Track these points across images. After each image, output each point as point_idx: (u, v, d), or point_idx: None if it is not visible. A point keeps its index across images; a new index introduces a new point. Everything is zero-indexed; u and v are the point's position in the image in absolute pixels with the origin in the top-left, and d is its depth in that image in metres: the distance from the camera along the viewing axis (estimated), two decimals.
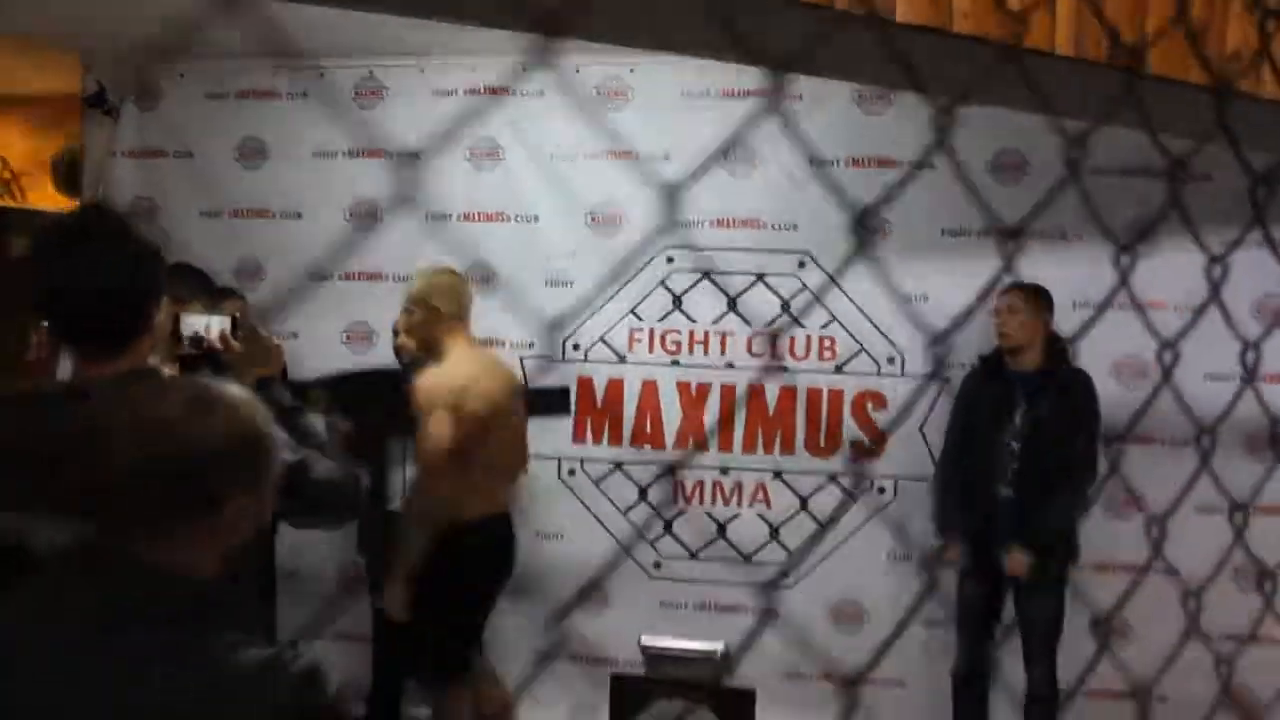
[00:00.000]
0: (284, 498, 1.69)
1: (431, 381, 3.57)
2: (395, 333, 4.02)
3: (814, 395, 4.50)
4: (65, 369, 2.94)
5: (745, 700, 3.86)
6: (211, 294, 3.91)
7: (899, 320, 4.38)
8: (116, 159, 4.98)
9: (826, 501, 4.50)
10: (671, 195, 0.89)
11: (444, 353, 3.64)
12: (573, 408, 4.49)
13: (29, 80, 6.44)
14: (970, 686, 4.17)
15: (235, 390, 1.40)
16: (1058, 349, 4.04)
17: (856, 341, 4.50)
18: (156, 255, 1.83)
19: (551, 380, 4.55)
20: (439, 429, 3.49)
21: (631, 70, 4.56)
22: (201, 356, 2.21)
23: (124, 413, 1.33)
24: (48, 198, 7.12)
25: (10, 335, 5.26)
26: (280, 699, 1.27)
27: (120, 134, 4.98)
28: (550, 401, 4.47)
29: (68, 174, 6.52)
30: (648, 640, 3.93)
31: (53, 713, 1.25)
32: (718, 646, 3.94)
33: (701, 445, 4.53)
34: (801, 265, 4.50)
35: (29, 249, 1.86)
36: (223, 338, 2.18)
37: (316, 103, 4.75)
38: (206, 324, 2.22)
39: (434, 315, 3.65)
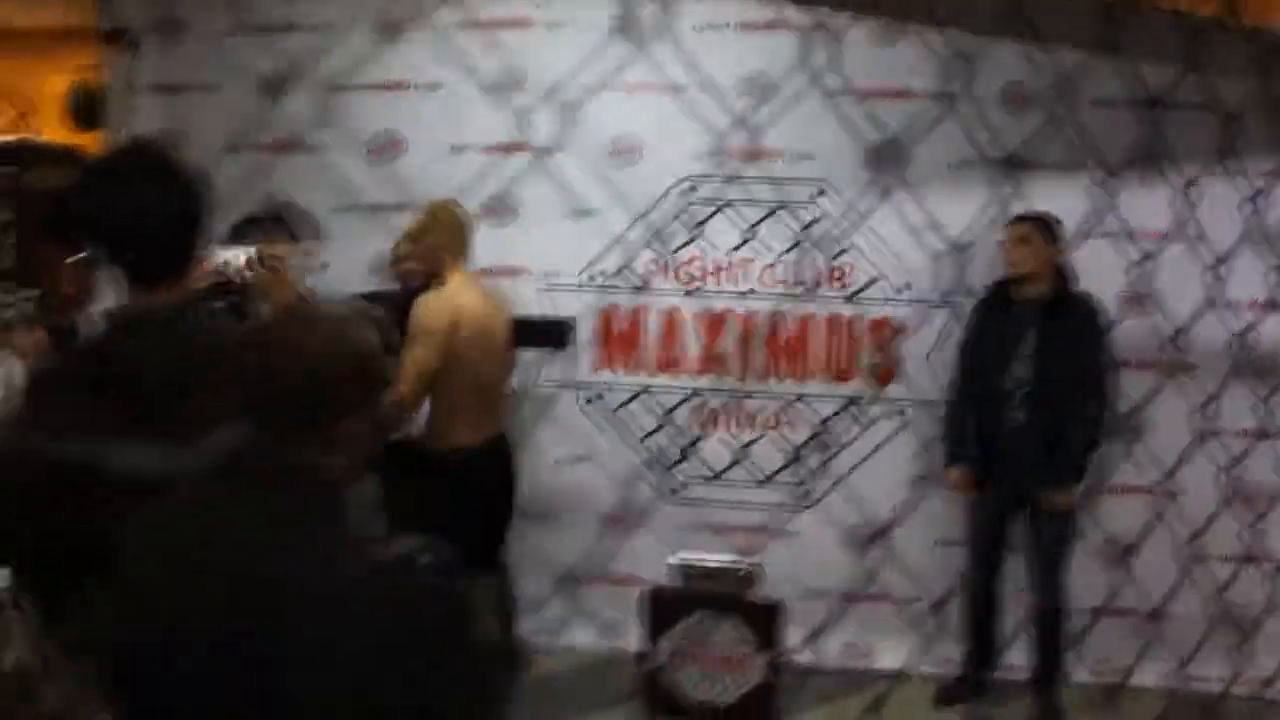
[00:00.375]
0: None
1: (428, 306, 3.72)
2: (395, 258, 4.16)
3: (832, 322, 4.61)
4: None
5: (773, 611, 4.01)
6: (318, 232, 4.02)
7: (913, 250, 4.46)
8: (140, 94, 5.01)
9: (844, 425, 4.63)
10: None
11: (443, 281, 3.81)
12: (570, 341, 4.59)
13: (36, 14, 6.43)
14: (981, 605, 4.33)
15: (355, 319, 1.52)
16: (1066, 277, 4.14)
17: (873, 269, 4.59)
18: (204, 185, 1.91)
19: (576, 306, 4.65)
20: (426, 349, 3.65)
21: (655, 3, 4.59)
22: (226, 284, 2.32)
23: (282, 336, 1.46)
24: (59, 133, 7.14)
25: (46, 265, 5.34)
26: (421, 589, 1.42)
27: (142, 69, 5.00)
28: (550, 333, 4.56)
29: (85, 108, 6.54)
30: (678, 557, 4.07)
31: (215, 606, 1.37)
32: (747, 561, 4.09)
33: (722, 371, 4.65)
34: (820, 194, 4.58)
35: (81, 183, 1.90)
36: (248, 264, 2.27)
37: (339, 36, 4.78)
38: (231, 256, 2.32)
39: (437, 246, 3.83)
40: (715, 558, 4.08)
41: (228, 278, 2.30)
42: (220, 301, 2.34)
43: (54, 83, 7.04)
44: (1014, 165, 4.13)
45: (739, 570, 4.06)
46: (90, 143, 6.83)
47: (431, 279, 3.86)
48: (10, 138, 6.99)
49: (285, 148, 4.79)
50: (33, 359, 2.46)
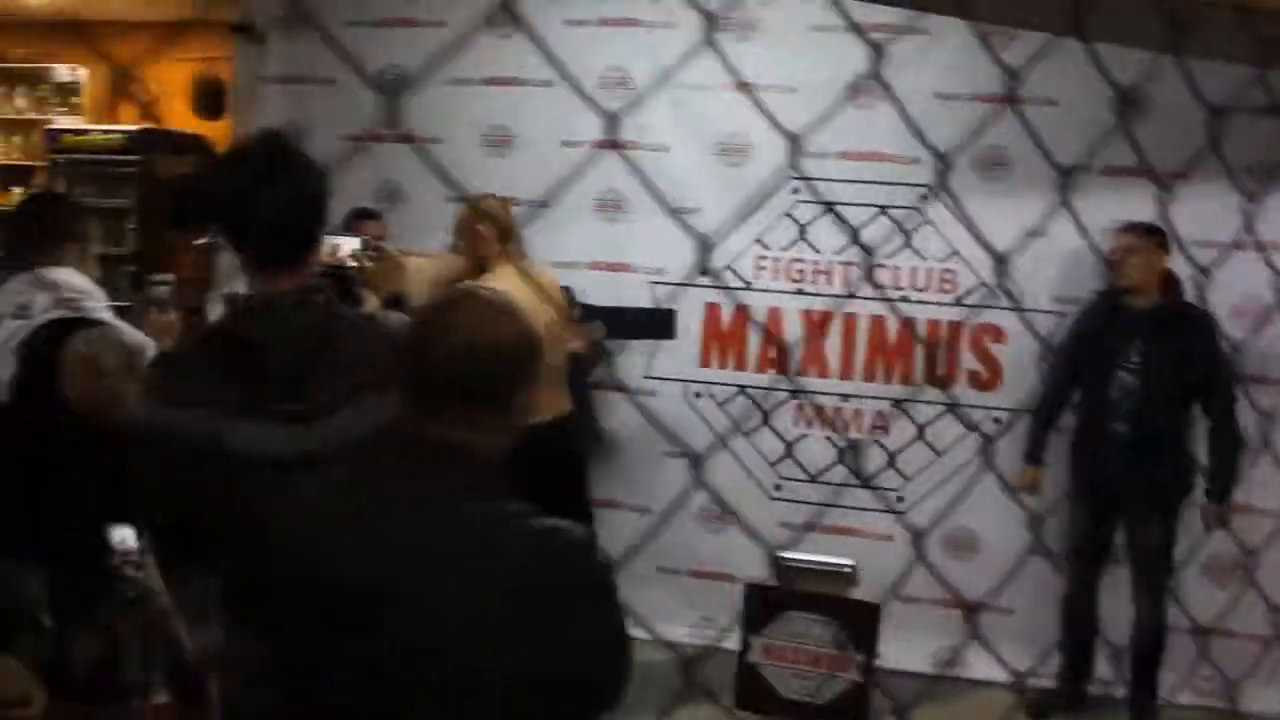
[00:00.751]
0: None
1: None
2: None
3: (934, 328, 4.60)
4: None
5: (870, 613, 4.02)
6: (372, 218, 4.14)
7: (1020, 255, 4.42)
8: (264, 85, 5.17)
9: (943, 431, 4.61)
10: (795, 136, 0.97)
11: (491, 271, 3.89)
12: (674, 332, 4.59)
13: (163, 7, 6.66)
14: (1078, 618, 4.28)
15: (511, 299, 1.60)
16: (1174, 287, 4.07)
17: (977, 276, 4.56)
18: (325, 176, 1.99)
19: (682, 303, 4.69)
20: None
21: (761, 3, 4.63)
22: (332, 273, 2.41)
23: (453, 322, 1.53)
24: (184, 120, 7.40)
25: (170, 250, 5.54)
26: (574, 558, 1.50)
27: (268, 61, 5.16)
28: (654, 323, 4.60)
29: (210, 98, 6.77)
30: (779, 554, 4.09)
31: (371, 571, 1.44)
32: (846, 562, 4.10)
33: (824, 373, 4.66)
34: (925, 198, 4.57)
35: (211, 172, 1.99)
36: (353, 256, 2.36)
37: (453, 32, 4.89)
38: (339, 243, 2.40)
39: (477, 235, 3.94)
40: (815, 557, 4.09)
41: (339, 264, 2.38)
42: (332, 286, 2.42)
43: (180, 73, 7.30)
44: (1130, 173, 4.09)
45: (838, 570, 4.07)
46: (213, 132, 7.08)
47: (478, 272, 3.93)
48: (136, 127, 7.26)
49: (402, 140, 4.91)
50: (168, 341, 2.57)
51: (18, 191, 7.93)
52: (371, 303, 2.37)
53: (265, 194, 1.87)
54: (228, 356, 1.90)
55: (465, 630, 1.39)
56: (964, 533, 4.56)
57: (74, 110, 7.69)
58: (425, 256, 3.92)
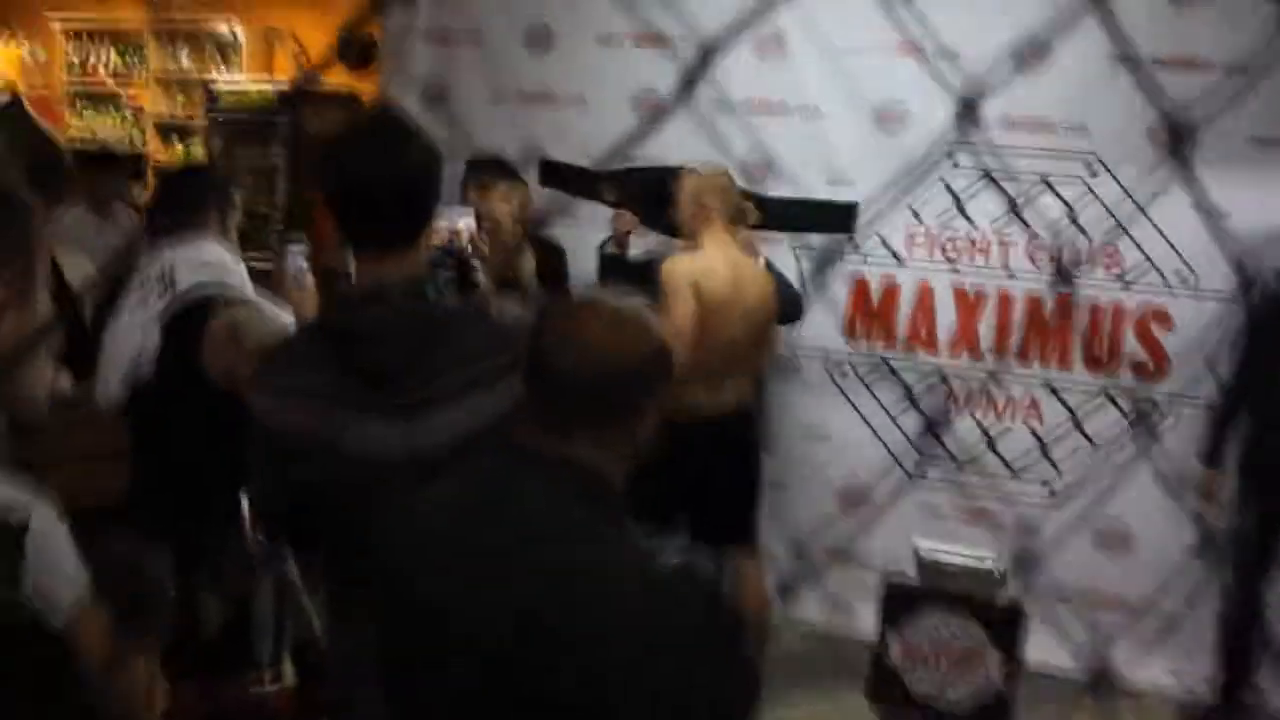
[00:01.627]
0: None
1: (674, 266, 3.74)
2: None
3: (1096, 309, 4.33)
4: None
5: (1015, 615, 3.80)
6: (512, 179, 4.07)
7: (1195, 235, 4.14)
8: (413, 42, 5.16)
9: (1101, 419, 4.36)
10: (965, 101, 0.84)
11: (700, 244, 3.81)
12: (854, 226, 4.43)
13: None
14: (1240, 628, 4.01)
15: (646, 308, 1.49)
16: None
17: (1145, 256, 4.28)
18: (439, 154, 1.88)
19: (829, 275, 4.53)
20: (682, 307, 3.64)
21: None
22: (445, 255, 2.32)
23: (578, 331, 1.43)
24: (338, 76, 7.47)
25: (315, 211, 5.57)
26: (695, 587, 1.40)
27: (414, 17, 5.14)
28: (834, 216, 4.43)
29: (359, 54, 6.82)
30: (923, 545, 3.89)
31: (488, 598, 1.36)
32: (994, 560, 3.86)
33: (976, 355, 4.44)
34: (1092, 172, 4.29)
35: (326, 152, 1.89)
36: (472, 238, 2.27)
37: None
38: (455, 223, 2.31)
39: (701, 208, 3.81)
40: (960, 552, 3.87)
41: (455, 245, 2.31)
42: (447, 269, 2.36)
43: (332, 28, 7.35)
44: None
45: (984, 568, 3.84)
46: (365, 87, 7.14)
47: (690, 242, 3.87)
48: (288, 84, 7.37)
49: (547, 101, 4.85)
50: (306, 314, 2.55)
51: (180, 147, 8.17)
52: (486, 284, 2.28)
53: (372, 175, 1.79)
54: (335, 349, 1.83)
55: (580, 668, 1.30)
56: (1119, 527, 4.31)
57: (233, 68, 7.85)
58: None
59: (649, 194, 4.25)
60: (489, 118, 4.95)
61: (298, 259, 2.67)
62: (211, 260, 2.52)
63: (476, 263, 2.27)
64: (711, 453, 3.76)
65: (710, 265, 3.74)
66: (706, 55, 0.96)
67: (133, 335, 2.50)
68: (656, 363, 1.45)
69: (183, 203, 2.63)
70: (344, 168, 1.83)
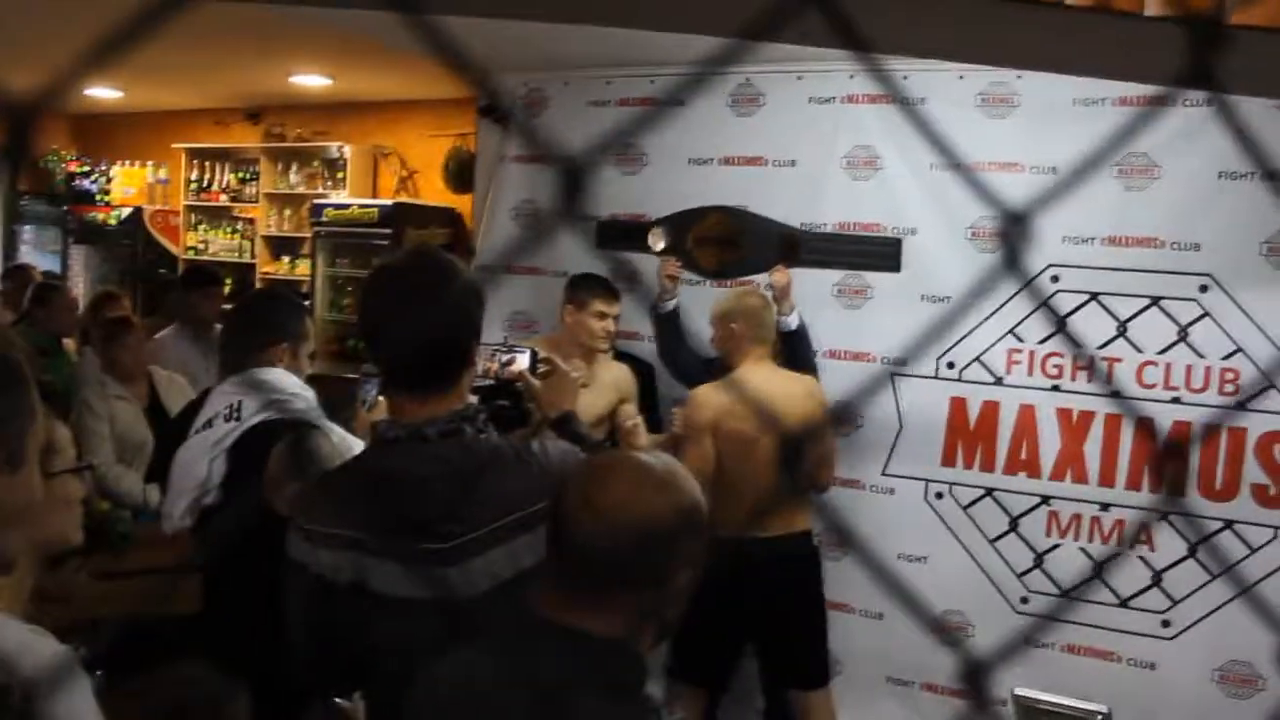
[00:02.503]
0: None
1: (695, 400, 3.78)
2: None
3: (1212, 434, 4.10)
4: None
5: None
6: (611, 295, 4.06)
7: None
8: (505, 163, 5.23)
9: (1220, 549, 4.10)
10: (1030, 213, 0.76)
11: (733, 368, 3.83)
12: (900, 264, 4.28)
13: (427, 88, 6.93)
14: None
15: (677, 465, 1.41)
16: None
17: (1265, 375, 4.06)
18: (478, 295, 1.87)
19: (925, 396, 4.38)
20: (695, 454, 3.65)
21: (1019, 76, 4.31)
22: (500, 387, 2.29)
23: (587, 489, 1.35)
24: (438, 193, 7.65)
25: None
26: None
27: (509, 140, 5.23)
28: (881, 254, 4.31)
29: (458, 173, 6.97)
30: (1021, 691, 3.67)
31: None
32: (1100, 710, 3.61)
33: (1081, 478, 4.23)
34: (1203, 289, 4.11)
35: (360, 297, 1.89)
36: (521, 375, 2.24)
37: (693, 110, 4.81)
38: (509, 356, 2.29)
39: (730, 333, 3.84)
40: (1062, 702, 3.63)
41: (507, 380, 2.28)
42: (499, 403, 2.34)
43: (437, 149, 7.57)
44: None
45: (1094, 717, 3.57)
46: (462, 204, 7.28)
47: (724, 365, 3.90)
48: (391, 201, 7.55)
49: (639, 218, 4.85)
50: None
51: (286, 260, 8.40)
52: (537, 420, 2.24)
53: (408, 318, 1.78)
54: (372, 490, 1.80)
55: None
56: (1243, 668, 4.02)
57: (339, 185, 8.08)
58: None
59: (684, 235, 4.25)
60: (580, 235, 4.98)
61: (367, 386, 2.66)
62: (279, 389, 2.51)
63: (530, 397, 2.23)
64: (765, 588, 3.66)
65: (735, 398, 3.72)
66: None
67: (199, 463, 2.51)
68: (686, 525, 1.37)
69: (255, 332, 2.65)
70: (375, 313, 1.83)
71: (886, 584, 4.18)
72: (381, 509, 1.77)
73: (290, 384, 2.54)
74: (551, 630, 1.34)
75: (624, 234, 4.45)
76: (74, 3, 4.74)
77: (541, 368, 2.27)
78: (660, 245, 4.26)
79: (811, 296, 4.36)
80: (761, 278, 4.30)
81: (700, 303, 4.31)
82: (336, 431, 2.47)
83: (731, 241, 4.25)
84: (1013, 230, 0.68)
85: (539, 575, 1.71)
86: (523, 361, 2.28)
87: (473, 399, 2.09)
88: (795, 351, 4.10)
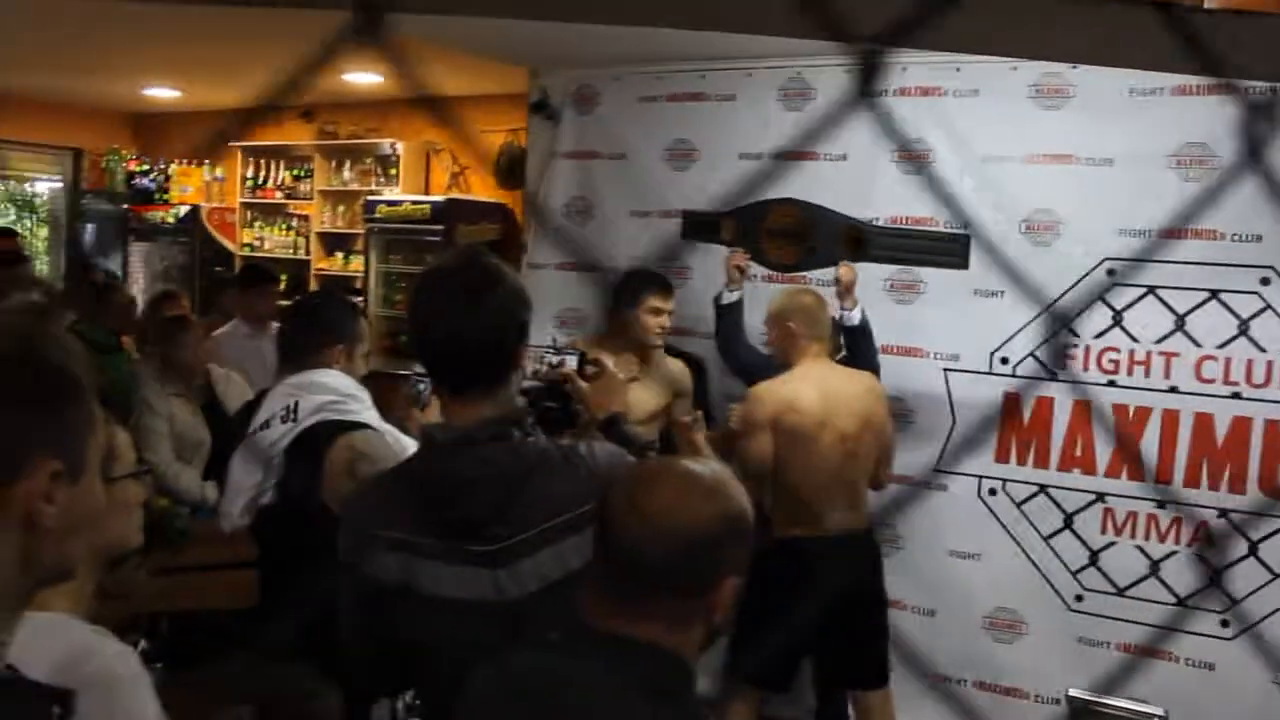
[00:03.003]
0: None
1: (755, 397, 3.76)
2: None
3: (1273, 428, 4.02)
4: None
5: None
6: (666, 291, 4.07)
7: None
8: (556, 160, 5.25)
9: None
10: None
11: (791, 367, 3.82)
12: (968, 260, 4.09)
13: (479, 84, 6.96)
14: None
15: (725, 471, 1.42)
16: None
17: None
18: (524, 298, 1.88)
19: (978, 392, 4.34)
20: (755, 449, 3.68)
21: (1074, 66, 4.25)
22: (548, 389, 2.30)
23: (634, 495, 1.36)
24: (489, 189, 7.69)
25: None
26: None
27: (560, 137, 5.24)
28: (946, 249, 4.17)
29: (509, 169, 7.00)
30: (1076, 692, 3.62)
31: None
32: (1157, 712, 3.55)
33: (1138, 474, 4.18)
34: (1265, 282, 4.03)
35: (409, 300, 1.91)
36: (567, 376, 2.24)
37: (744, 104, 4.79)
38: (558, 358, 2.30)
39: (786, 332, 3.83)
40: (1116, 704, 3.57)
41: (555, 381, 2.29)
42: (547, 405, 2.36)
43: (489, 143, 7.60)
44: None
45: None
46: (513, 200, 7.31)
47: (782, 365, 3.87)
48: (442, 196, 7.60)
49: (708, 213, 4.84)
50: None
51: (340, 256, 8.49)
52: (586, 419, 2.25)
53: (449, 326, 1.80)
54: (422, 493, 1.82)
55: None
56: None
57: (391, 181, 8.15)
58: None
59: (753, 227, 4.24)
60: (632, 231, 4.98)
61: (419, 385, 2.69)
62: (334, 390, 2.54)
63: (576, 400, 2.25)
64: (824, 587, 3.65)
65: (796, 394, 3.72)
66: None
67: (256, 463, 2.54)
68: (733, 531, 1.36)
69: (311, 333, 2.69)
70: (421, 317, 1.85)
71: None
72: (429, 511, 1.80)
73: (345, 385, 2.57)
74: (597, 636, 1.35)
75: (705, 225, 4.44)
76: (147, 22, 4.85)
77: (590, 369, 2.28)
78: (731, 236, 4.26)
79: (860, 288, 4.33)
80: (825, 273, 4.27)
81: (759, 300, 4.28)
82: (391, 432, 2.50)
83: (801, 234, 4.21)
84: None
85: (585, 580, 1.74)
86: (571, 363, 2.29)
87: (521, 401, 2.11)
88: (858, 347, 4.07)
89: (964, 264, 4.02)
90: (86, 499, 1.07)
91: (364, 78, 7.34)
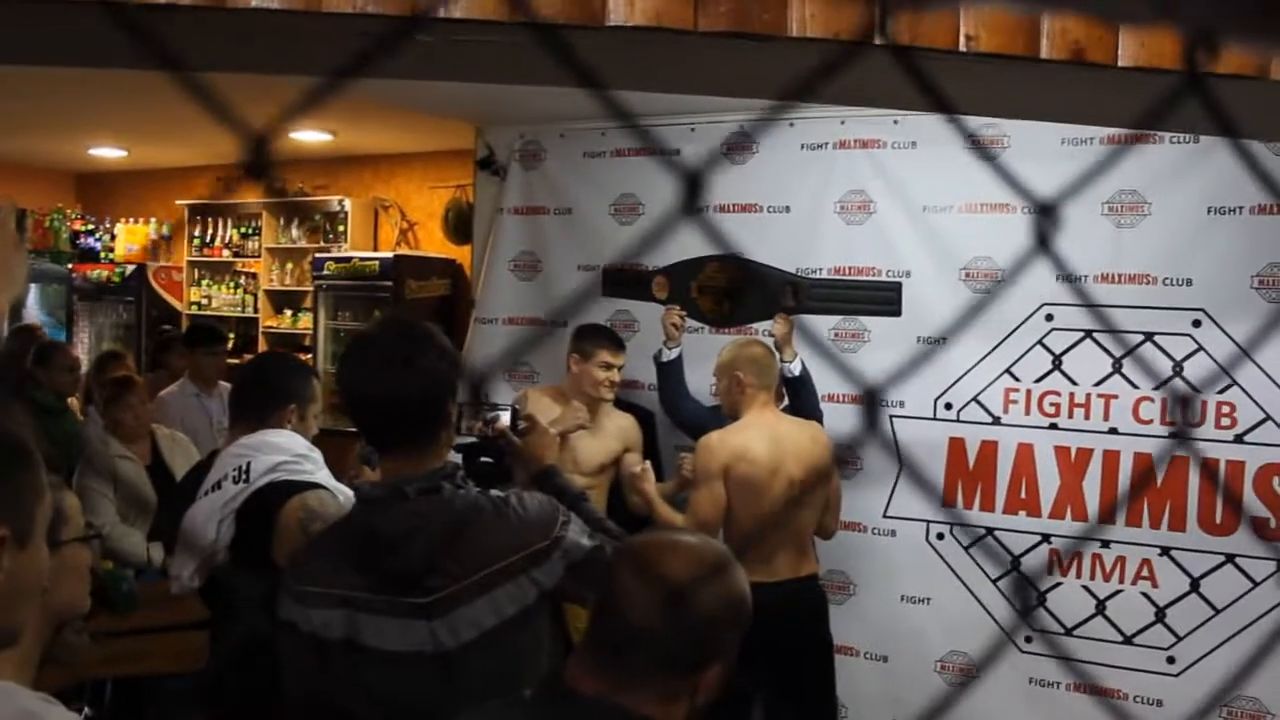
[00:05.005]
0: (585, 584, 1.83)
1: (706, 446, 3.78)
2: None
3: (1210, 467, 4.12)
4: None
5: None
6: (617, 346, 4.11)
7: None
8: (503, 215, 5.30)
9: (1222, 584, 4.10)
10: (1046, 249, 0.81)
11: (739, 417, 3.84)
12: (900, 308, 4.21)
13: (426, 141, 7.02)
14: None
15: (725, 551, 1.45)
16: None
17: (1261, 409, 4.08)
18: (453, 358, 1.95)
19: (924, 437, 4.40)
20: (708, 498, 3.71)
21: (1012, 119, 4.36)
22: (484, 445, 2.40)
23: (644, 570, 1.38)
24: (437, 244, 7.72)
25: None
26: None
27: (507, 192, 5.29)
28: (880, 298, 4.26)
29: (457, 224, 7.03)
30: None
31: None
32: None
33: (1080, 515, 4.25)
34: (1196, 324, 4.14)
35: (339, 366, 1.99)
36: (501, 432, 2.31)
37: (688, 158, 4.87)
38: (492, 415, 2.36)
39: (735, 381, 3.85)
40: None
41: (490, 436, 2.36)
42: (483, 460, 2.46)
43: (436, 201, 7.65)
44: None
45: None
46: (461, 255, 7.34)
47: (730, 416, 3.90)
48: (391, 253, 7.61)
49: (631, 269, 4.90)
50: None
51: (289, 314, 8.45)
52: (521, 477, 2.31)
53: (375, 391, 1.88)
54: (356, 547, 1.88)
55: None
56: (1250, 705, 4.02)
57: (340, 238, 8.15)
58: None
59: (686, 284, 4.27)
60: (578, 282, 5.03)
61: (368, 447, 2.70)
62: (287, 450, 2.55)
63: (511, 453, 2.31)
64: (772, 633, 3.67)
65: (747, 443, 3.75)
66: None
67: (209, 525, 2.53)
68: (735, 615, 1.39)
69: (264, 393, 2.69)
70: (349, 381, 1.92)
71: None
72: (366, 566, 1.85)
73: (298, 445, 2.57)
74: (578, 699, 1.35)
75: (629, 282, 4.49)
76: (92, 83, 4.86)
77: (522, 424, 2.33)
78: (664, 294, 4.30)
79: (806, 337, 4.38)
80: (765, 324, 4.33)
81: (702, 350, 4.33)
82: (344, 492, 2.50)
83: (732, 290, 4.28)
84: (1043, 220, 0.73)
85: (521, 624, 1.80)
86: (505, 419, 2.34)
87: (457, 457, 2.16)
88: (799, 398, 4.12)
89: (896, 311, 4.10)
90: (33, 564, 1.08)
91: (312, 135, 7.37)
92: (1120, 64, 1.96)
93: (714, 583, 1.38)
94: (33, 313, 9.36)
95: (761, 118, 4.70)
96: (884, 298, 4.14)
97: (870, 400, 0.73)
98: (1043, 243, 0.76)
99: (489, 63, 2.44)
